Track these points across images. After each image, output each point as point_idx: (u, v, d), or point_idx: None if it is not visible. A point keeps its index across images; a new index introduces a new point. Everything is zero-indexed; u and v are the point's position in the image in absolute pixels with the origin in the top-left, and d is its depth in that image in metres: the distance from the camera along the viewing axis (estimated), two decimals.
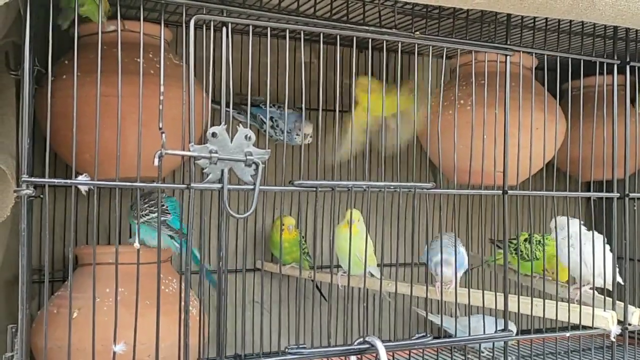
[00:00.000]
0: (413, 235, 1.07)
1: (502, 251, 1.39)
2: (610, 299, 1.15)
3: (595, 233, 1.17)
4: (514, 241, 1.30)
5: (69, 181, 0.78)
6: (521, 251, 1.27)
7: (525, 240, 1.30)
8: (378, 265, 1.26)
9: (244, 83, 1.35)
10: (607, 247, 1.19)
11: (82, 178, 0.78)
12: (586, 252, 1.15)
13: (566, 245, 1.16)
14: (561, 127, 1.26)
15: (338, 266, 1.26)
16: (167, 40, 1.22)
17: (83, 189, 0.78)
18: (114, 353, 0.84)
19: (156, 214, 1.04)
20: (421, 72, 1.07)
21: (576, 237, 1.15)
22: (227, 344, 1.39)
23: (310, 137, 1.36)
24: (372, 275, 1.28)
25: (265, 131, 1.40)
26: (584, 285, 1.18)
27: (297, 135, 1.35)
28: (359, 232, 1.13)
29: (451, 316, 1.40)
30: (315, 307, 1.47)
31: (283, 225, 1.35)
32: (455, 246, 1.10)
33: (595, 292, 1.18)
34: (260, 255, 1.52)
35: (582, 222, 1.19)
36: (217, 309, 0.90)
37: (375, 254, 1.26)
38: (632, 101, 1.42)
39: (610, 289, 1.17)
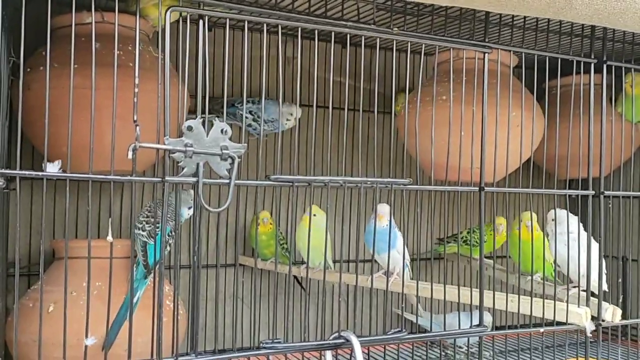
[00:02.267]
0: (390, 231, 1.07)
1: (451, 244, 1.44)
2: (584, 295, 1.16)
3: (583, 233, 1.19)
4: (461, 234, 1.41)
5: (40, 173, 0.77)
6: (466, 239, 1.41)
7: (467, 232, 1.43)
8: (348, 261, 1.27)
9: (227, 78, 1.36)
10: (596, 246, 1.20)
11: (53, 170, 0.78)
12: (583, 251, 1.16)
13: (562, 241, 1.17)
14: (539, 125, 1.27)
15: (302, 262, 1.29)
16: (148, 33, 1.21)
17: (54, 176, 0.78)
18: (86, 347, 0.84)
19: (146, 232, 1.04)
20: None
21: (574, 235, 1.16)
22: (207, 338, 1.41)
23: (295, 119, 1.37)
24: (328, 267, 1.30)
25: (249, 126, 1.40)
26: (575, 286, 1.20)
27: (287, 120, 1.37)
28: (315, 226, 1.15)
29: (425, 310, 1.42)
30: (291, 302, 1.48)
31: (258, 219, 1.36)
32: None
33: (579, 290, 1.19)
34: (239, 251, 1.52)
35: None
36: (191, 304, 0.90)
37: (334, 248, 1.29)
38: (611, 100, 1.44)
39: (597, 292, 1.19)
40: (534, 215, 1.21)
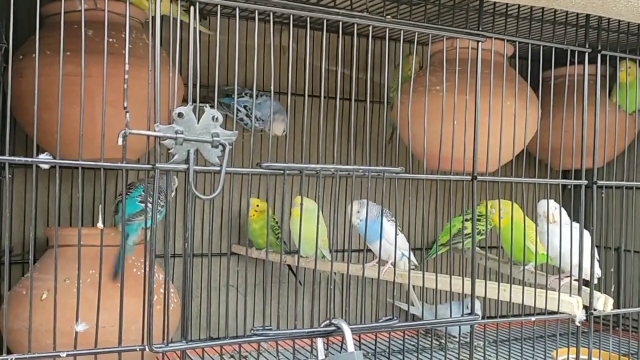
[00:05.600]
0: (382, 218, 1.07)
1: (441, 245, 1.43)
2: (576, 284, 1.16)
3: (575, 223, 1.19)
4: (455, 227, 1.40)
5: (29, 159, 0.77)
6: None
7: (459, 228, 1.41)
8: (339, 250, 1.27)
9: (221, 67, 1.35)
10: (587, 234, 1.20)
11: (43, 156, 0.78)
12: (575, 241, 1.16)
13: (554, 233, 1.17)
14: (533, 115, 1.26)
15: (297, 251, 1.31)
16: (142, 21, 1.21)
17: (43, 166, 0.78)
18: (76, 333, 0.84)
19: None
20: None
21: (565, 225, 1.16)
22: (201, 327, 1.41)
23: (284, 131, 1.37)
24: (323, 256, 1.30)
25: (240, 120, 1.41)
26: (567, 276, 1.20)
27: (269, 128, 1.39)
28: (307, 217, 1.14)
29: (419, 300, 1.42)
30: (284, 290, 1.48)
31: (251, 207, 1.36)
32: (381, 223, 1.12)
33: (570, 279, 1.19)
34: (233, 240, 1.53)
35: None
36: (182, 292, 0.90)
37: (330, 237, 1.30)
38: (605, 90, 1.44)
39: (589, 280, 1.19)
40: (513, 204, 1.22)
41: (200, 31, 0.85)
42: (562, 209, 1.19)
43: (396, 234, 1.07)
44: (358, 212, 1.19)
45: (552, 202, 1.21)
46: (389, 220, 1.19)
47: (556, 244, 1.18)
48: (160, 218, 1.16)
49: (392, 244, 1.10)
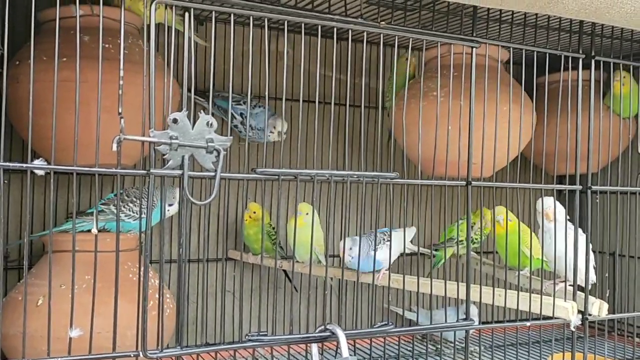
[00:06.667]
0: (377, 224, 1.07)
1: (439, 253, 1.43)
2: (571, 289, 1.17)
3: (571, 227, 1.19)
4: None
5: (24, 165, 0.77)
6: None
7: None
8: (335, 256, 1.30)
9: (217, 72, 1.35)
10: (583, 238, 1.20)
11: (38, 162, 0.78)
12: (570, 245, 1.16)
13: (551, 237, 1.17)
14: (528, 120, 1.27)
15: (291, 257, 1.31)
16: (138, 27, 1.21)
17: (38, 172, 0.78)
18: (70, 338, 0.84)
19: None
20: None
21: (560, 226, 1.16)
22: (197, 333, 1.41)
23: (285, 134, 1.37)
24: (319, 262, 1.30)
25: (235, 126, 1.41)
26: (562, 281, 1.20)
27: (270, 132, 1.38)
28: (306, 225, 1.15)
29: (418, 307, 1.42)
30: (280, 296, 1.48)
31: (247, 211, 1.37)
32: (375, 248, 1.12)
33: (565, 284, 1.20)
34: (231, 245, 1.53)
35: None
36: (177, 298, 0.90)
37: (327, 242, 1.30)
38: (602, 95, 1.45)
39: (584, 285, 1.19)
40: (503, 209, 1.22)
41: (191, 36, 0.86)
42: (559, 209, 1.19)
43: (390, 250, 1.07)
44: (350, 249, 1.14)
45: (549, 199, 1.21)
46: (382, 245, 1.18)
47: (551, 246, 1.18)
48: (132, 227, 1.15)
49: (387, 252, 1.10)
